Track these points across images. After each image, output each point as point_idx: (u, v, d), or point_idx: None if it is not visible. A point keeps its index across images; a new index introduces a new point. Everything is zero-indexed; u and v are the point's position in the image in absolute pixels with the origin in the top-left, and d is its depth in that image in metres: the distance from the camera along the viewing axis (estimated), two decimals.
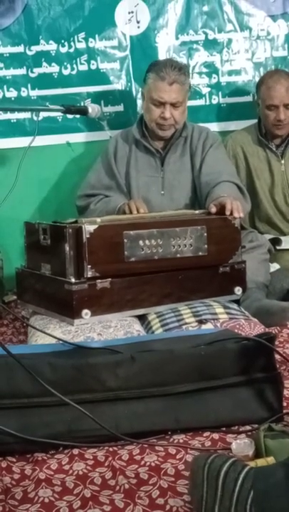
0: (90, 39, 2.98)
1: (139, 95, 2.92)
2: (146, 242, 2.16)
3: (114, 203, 2.56)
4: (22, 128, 2.97)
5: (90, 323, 2.06)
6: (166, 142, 2.70)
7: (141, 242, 2.15)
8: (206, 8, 3.05)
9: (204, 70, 3.09)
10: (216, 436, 1.46)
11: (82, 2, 2.94)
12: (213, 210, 2.35)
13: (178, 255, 2.22)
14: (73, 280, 2.06)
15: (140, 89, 2.71)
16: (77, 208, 2.78)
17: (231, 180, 2.59)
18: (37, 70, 2.97)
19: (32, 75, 2.96)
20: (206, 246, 2.27)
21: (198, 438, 1.45)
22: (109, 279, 2.10)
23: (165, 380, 1.49)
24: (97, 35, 2.98)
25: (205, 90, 3.09)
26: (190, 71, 2.72)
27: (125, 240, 2.12)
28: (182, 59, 3.01)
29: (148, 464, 1.35)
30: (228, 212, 2.30)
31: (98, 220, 2.19)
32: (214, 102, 3.11)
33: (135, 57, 3.01)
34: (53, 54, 2.96)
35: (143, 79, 2.68)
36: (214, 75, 3.10)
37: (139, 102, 3.00)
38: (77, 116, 2.89)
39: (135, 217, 2.38)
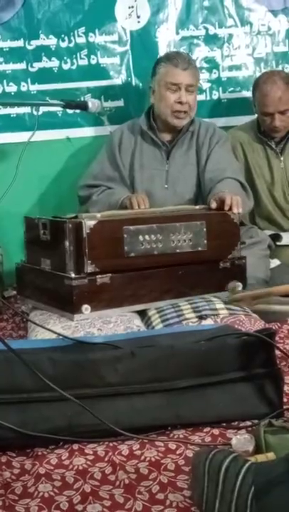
0: (90, 34, 2.97)
1: (140, 90, 2.92)
2: (146, 237, 2.16)
3: (117, 196, 2.56)
4: (22, 123, 2.97)
5: (89, 318, 2.06)
6: (174, 136, 2.70)
7: (140, 238, 2.15)
8: (206, 3, 3.04)
9: (205, 65, 3.08)
10: (216, 431, 1.46)
11: None
12: (214, 205, 2.35)
13: (177, 250, 2.22)
14: (73, 275, 2.05)
15: (150, 83, 2.69)
16: (78, 198, 2.78)
17: (235, 177, 2.59)
18: (37, 65, 2.96)
19: (32, 70, 2.96)
20: (205, 241, 2.26)
21: (198, 433, 1.45)
22: (110, 275, 2.09)
23: (165, 376, 1.49)
24: (97, 30, 2.97)
25: (205, 85, 3.09)
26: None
27: (125, 235, 2.12)
28: None
29: (148, 459, 1.35)
30: (226, 208, 2.30)
31: (98, 215, 2.19)
32: (215, 97, 3.11)
33: (135, 52, 3.01)
34: (53, 48, 2.96)
35: (152, 72, 2.67)
36: (215, 70, 3.10)
37: (140, 97, 2.99)
38: (77, 111, 2.88)
39: (136, 212, 2.37)
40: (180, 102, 2.60)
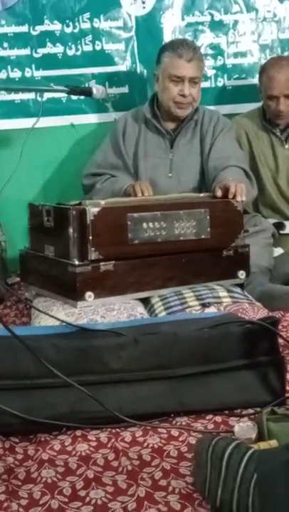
0: (95, 19, 2.95)
1: (145, 76, 2.90)
2: (150, 224, 2.15)
3: (121, 184, 2.55)
4: (26, 109, 2.96)
5: (93, 305, 2.06)
6: (178, 124, 2.69)
7: (144, 225, 2.14)
8: None
9: (210, 51, 3.06)
10: (218, 419, 1.46)
11: None
12: (219, 193, 2.34)
13: (181, 238, 2.21)
14: (77, 262, 2.05)
15: (155, 70, 2.67)
16: (82, 187, 2.78)
17: (239, 165, 2.58)
18: (41, 51, 2.95)
19: (36, 56, 2.94)
20: (208, 229, 2.26)
21: (200, 421, 1.46)
22: (113, 262, 2.09)
23: (168, 363, 1.50)
24: (102, 16, 2.95)
25: (210, 72, 3.07)
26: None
27: (129, 223, 2.11)
28: None
29: (151, 445, 1.35)
30: (230, 196, 2.29)
31: (102, 202, 2.18)
32: (220, 84, 3.09)
33: (140, 38, 2.99)
34: (58, 34, 2.94)
35: (156, 60, 2.65)
36: (220, 57, 3.08)
37: (145, 83, 2.98)
38: (82, 97, 2.87)
39: (139, 199, 2.37)
40: (183, 95, 2.58)
